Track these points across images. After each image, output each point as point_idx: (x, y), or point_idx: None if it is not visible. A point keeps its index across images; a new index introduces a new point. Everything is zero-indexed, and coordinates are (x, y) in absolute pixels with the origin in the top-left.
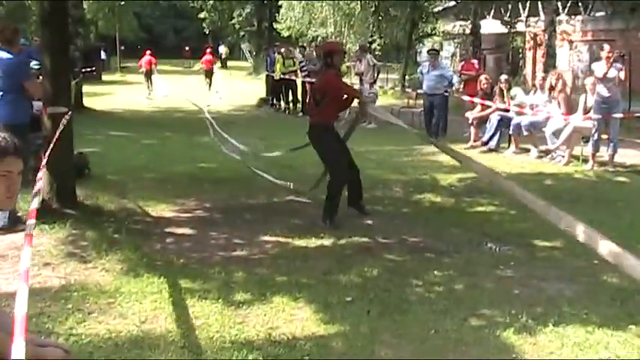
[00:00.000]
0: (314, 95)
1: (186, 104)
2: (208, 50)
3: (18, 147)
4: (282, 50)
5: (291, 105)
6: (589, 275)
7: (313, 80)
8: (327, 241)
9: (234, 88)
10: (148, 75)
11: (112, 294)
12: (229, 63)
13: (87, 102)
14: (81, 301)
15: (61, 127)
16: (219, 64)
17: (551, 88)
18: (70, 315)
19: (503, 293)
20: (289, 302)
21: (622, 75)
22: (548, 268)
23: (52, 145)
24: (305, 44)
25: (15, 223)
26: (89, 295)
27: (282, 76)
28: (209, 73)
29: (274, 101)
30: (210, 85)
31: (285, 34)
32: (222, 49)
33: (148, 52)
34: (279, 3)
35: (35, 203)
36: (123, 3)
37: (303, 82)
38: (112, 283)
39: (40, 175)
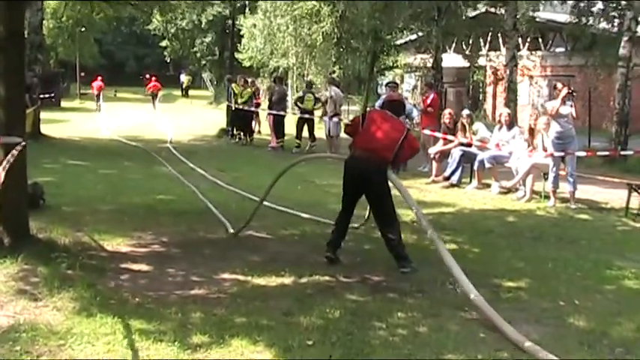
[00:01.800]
0: (390, 137)
1: (146, 132)
2: (153, 78)
3: None
4: (241, 81)
5: (248, 136)
6: (555, 317)
7: (280, 113)
8: (287, 280)
9: (196, 117)
10: (98, 97)
11: (63, 335)
12: (190, 92)
13: (45, 129)
14: (30, 342)
15: (12, 157)
16: (180, 92)
17: (531, 130)
18: (18, 358)
19: (469, 336)
20: (248, 345)
21: (574, 112)
22: (514, 309)
23: (3, 176)
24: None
25: None
26: (39, 336)
27: (239, 107)
28: (154, 97)
29: (234, 131)
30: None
31: (247, 64)
32: (184, 78)
33: (99, 77)
34: (241, 33)
35: None
36: (83, 30)
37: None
38: (63, 324)
39: None
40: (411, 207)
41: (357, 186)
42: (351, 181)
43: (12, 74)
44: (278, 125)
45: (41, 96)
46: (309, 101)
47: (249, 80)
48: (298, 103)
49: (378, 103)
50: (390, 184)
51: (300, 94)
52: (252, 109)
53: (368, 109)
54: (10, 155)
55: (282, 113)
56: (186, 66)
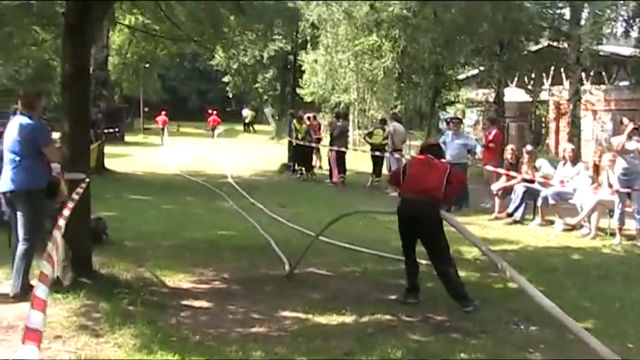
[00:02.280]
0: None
1: (208, 167)
2: (214, 112)
3: None
4: (305, 116)
5: (308, 171)
6: None
7: (341, 149)
8: (348, 318)
9: (258, 152)
10: (162, 131)
11: None
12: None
13: (108, 163)
14: None
15: (76, 195)
16: (243, 127)
17: (596, 167)
18: None
19: None
20: None
21: None
22: (581, 352)
23: (68, 212)
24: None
25: (27, 292)
26: None
27: (300, 142)
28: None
29: (295, 167)
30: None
31: (308, 99)
32: (247, 113)
33: (163, 112)
34: (303, 68)
35: (48, 269)
36: (147, 65)
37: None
38: None
39: (54, 240)
40: (472, 242)
41: (412, 228)
42: (405, 224)
43: (77, 110)
44: (339, 161)
45: (105, 131)
46: (377, 136)
47: (310, 115)
48: (367, 138)
49: (441, 140)
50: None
51: (370, 129)
52: (312, 144)
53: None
54: (75, 193)
55: (343, 149)
56: (248, 101)
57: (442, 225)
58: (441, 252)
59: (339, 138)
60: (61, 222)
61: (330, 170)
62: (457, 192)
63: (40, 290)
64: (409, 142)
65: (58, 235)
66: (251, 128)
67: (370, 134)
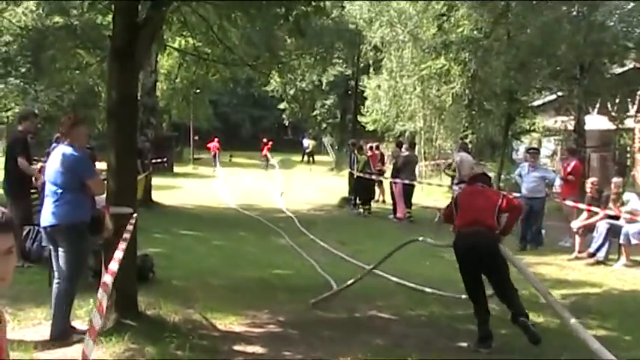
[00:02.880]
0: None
1: (263, 200)
2: (270, 143)
3: (5, 221)
4: (367, 146)
5: (369, 205)
6: None
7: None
8: None
9: (316, 184)
10: (214, 158)
11: None
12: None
13: (156, 196)
14: None
15: (126, 233)
16: (302, 158)
17: None
18: None
19: None
20: None
21: None
22: None
23: (120, 254)
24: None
25: (68, 335)
26: None
27: (361, 174)
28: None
29: (357, 201)
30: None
31: (371, 127)
32: (308, 142)
33: (216, 139)
34: (365, 94)
35: (97, 320)
36: (198, 91)
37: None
38: None
39: (105, 286)
40: (532, 284)
41: (473, 263)
42: (463, 260)
43: (123, 139)
44: (406, 194)
45: (153, 161)
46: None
47: (372, 145)
48: (447, 171)
49: (516, 172)
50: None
51: (450, 160)
52: (374, 176)
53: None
54: (122, 230)
55: (410, 182)
56: (305, 129)
57: (505, 259)
58: (505, 284)
59: (405, 169)
60: (114, 266)
61: (395, 204)
62: (515, 220)
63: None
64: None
65: (109, 280)
66: (311, 159)
67: (449, 166)
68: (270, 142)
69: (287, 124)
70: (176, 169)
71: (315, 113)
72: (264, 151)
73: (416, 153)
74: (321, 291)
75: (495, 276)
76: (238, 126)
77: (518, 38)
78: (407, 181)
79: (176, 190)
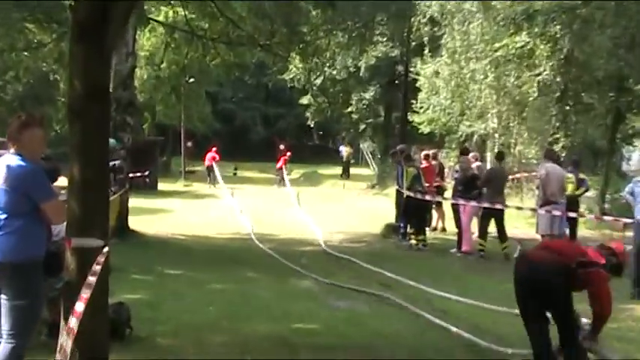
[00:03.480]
0: None
1: (278, 230)
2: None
3: None
4: (422, 154)
5: (423, 235)
6: None
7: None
8: None
9: (352, 207)
10: (209, 171)
11: None
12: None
13: (135, 223)
14: None
15: (92, 276)
16: (341, 171)
17: None
18: None
19: None
20: None
21: None
22: None
23: (86, 297)
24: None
25: None
26: None
27: (412, 193)
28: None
29: (407, 228)
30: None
31: (426, 129)
32: (345, 150)
33: (214, 148)
34: (417, 84)
35: None
36: (191, 80)
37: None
38: None
39: (71, 330)
40: None
41: (532, 293)
42: (523, 287)
43: (90, 147)
44: (485, 221)
45: (131, 175)
46: (569, 183)
47: (429, 152)
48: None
49: (627, 189)
50: None
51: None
52: (428, 197)
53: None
54: (92, 272)
55: (498, 206)
56: (337, 132)
57: (571, 297)
58: (569, 331)
59: (489, 188)
60: (80, 306)
61: (460, 234)
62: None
63: None
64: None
65: (74, 323)
66: (345, 172)
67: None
68: (289, 153)
69: (311, 126)
70: (161, 186)
71: (349, 110)
72: (280, 163)
73: (504, 166)
74: (360, 352)
75: (557, 315)
76: (246, 128)
77: (629, 6)
78: (487, 205)
79: (162, 214)
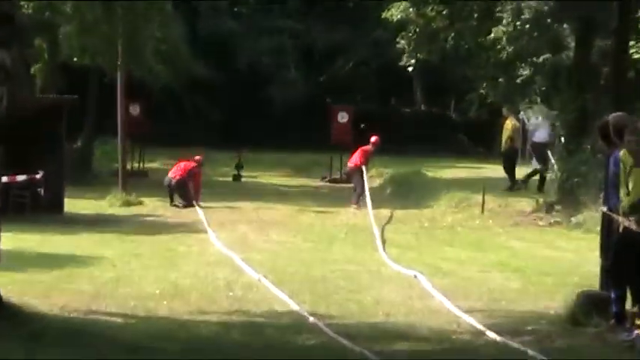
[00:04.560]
0: None
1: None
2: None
3: None
4: None
5: None
6: None
7: None
8: None
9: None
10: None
11: None
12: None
13: (9, 286)
14: None
15: None
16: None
17: None
18: None
19: None
20: None
21: None
22: None
23: None
24: None
25: None
26: None
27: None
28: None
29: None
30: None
31: None
32: (510, 123)
33: (197, 157)
34: None
35: None
36: None
37: None
38: None
39: None
40: None
41: None
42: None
43: None
44: None
45: (4, 181)
46: None
47: None
48: None
49: None
50: None
51: None
52: None
53: None
54: None
55: None
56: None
57: None
58: None
59: None
60: None
61: None
62: None
63: None
64: None
65: None
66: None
67: None
68: (374, 137)
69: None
70: (72, 205)
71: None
72: (357, 158)
73: None
74: None
75: None
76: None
77: None
78: None
79: (73, 269)
